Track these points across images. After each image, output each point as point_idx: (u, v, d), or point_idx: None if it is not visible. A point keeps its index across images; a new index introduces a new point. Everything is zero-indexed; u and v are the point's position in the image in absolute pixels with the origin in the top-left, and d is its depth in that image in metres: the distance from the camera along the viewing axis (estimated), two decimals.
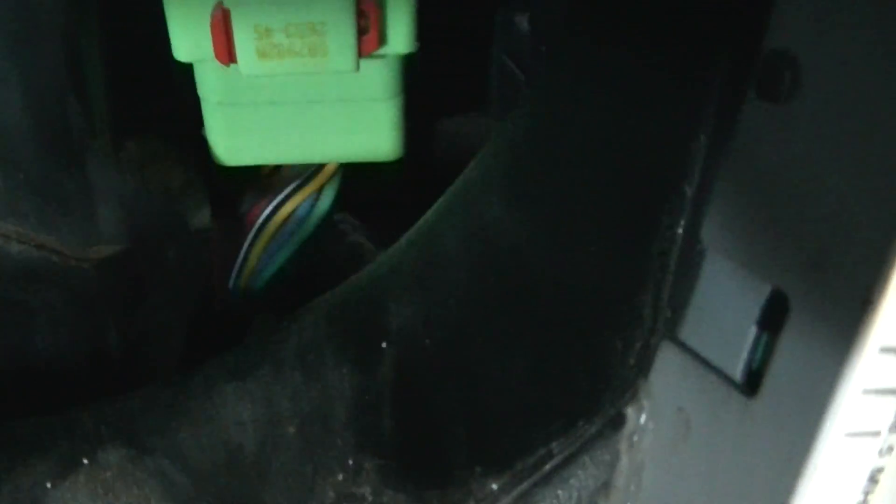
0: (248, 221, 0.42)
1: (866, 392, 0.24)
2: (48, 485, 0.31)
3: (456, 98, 0.48)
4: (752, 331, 0.27)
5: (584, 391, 0.31)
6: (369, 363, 0.34)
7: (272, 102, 0.37)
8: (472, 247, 0.35)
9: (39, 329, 0.36)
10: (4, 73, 0.32)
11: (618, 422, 0.31)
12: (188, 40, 0.34)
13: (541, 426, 0.32)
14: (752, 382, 0.27)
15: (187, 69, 0.36)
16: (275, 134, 0.38)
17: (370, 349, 0.34)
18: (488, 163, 0.36)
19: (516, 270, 0.34)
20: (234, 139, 0.38)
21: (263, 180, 0.42)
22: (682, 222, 0.29)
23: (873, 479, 0.26)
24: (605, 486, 0.31)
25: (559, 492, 0.32)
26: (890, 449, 0.25)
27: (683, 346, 0.29)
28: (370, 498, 0.33)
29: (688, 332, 0.29)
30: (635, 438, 0.31)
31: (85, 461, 0.32)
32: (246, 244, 0.42)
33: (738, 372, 0.27)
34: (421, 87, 0.38)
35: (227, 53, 0.33)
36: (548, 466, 0.32)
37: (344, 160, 0.40)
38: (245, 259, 0.42)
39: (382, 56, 0.35)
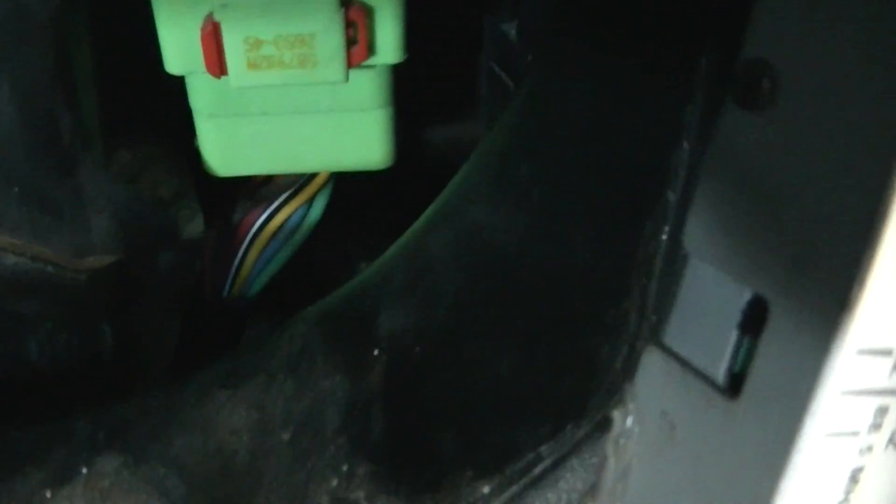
0: (241, 230, 0.42)
1: (845, 393, 0.24)
2: (47, 494, 0.32)
3: (445, 106, 0.49)
4: (734, 335, 0.27)
5: (573, 395, 0.32)
6: (361, 370, 0.34)
7: (263, 113, 0.37)
8: (461, 254, 0.35)
9: (34, 339, 0.36)
10: None
11: (604, 425, 0.31)
12: (179, 53, 0.34)
13: (530, 430, 0.32)
14: (734, 385, 0.27)
15: (179, 80, 0.36)
16: (266, 144, 0.38)
17: (362, 356, 0.34)
18: (477, 170, 0.36)
19: (504, 277, 0.34)
20: (226, 150, 0.38)
21: (257, 189, 0.43)
22: (667, 228, 0.29)
23: (854, 479, 0.26)
24: (593, 489, 0.32)
25: (549, 494, 0.32)
26: (870, 448, 0.26)
27: (667, 351, 0.29)
28: (364, 503, 0.33)
29: (671, 337, 0.29)
30: (622, 441, 0.31)
31: (84, 470, 0.32)
32: (240, 252, 0.42)
33: (720, 375, 0.28)
34: (411, 95, 0.39)
35: (217, 66, 0.34)
36: (537, 469, 0.32)
37: (335, 169, 0.41)
38: (239, 267, 0.42)
39: (372, 66, 0.36)
